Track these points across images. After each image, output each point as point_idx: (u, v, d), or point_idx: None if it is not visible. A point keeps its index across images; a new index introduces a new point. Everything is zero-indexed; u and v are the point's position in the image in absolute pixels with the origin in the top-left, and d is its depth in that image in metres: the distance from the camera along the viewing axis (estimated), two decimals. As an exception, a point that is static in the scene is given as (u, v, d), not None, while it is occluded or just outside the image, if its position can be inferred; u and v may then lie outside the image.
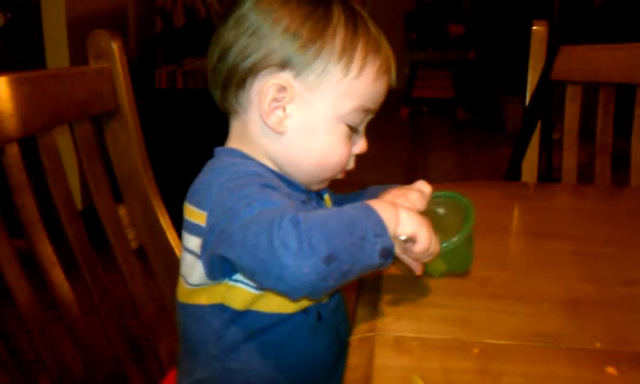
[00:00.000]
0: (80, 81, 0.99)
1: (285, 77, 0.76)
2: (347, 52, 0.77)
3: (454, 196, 0.88)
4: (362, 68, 0.77)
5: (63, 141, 0.97)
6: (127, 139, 1.05)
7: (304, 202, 0.81)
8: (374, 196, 0.87)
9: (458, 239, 0.81)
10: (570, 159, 1.45)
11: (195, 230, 0.75)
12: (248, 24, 0.76)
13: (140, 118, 1.07)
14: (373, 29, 0.80)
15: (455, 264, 0.85)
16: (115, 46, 1.01)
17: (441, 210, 0.88)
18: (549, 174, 2.66)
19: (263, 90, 0.77)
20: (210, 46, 0.81)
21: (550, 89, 1.46)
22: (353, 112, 0.79)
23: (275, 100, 0.77)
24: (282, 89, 0.76)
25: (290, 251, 0.62)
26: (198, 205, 0.74)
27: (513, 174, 1.50)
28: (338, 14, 0.77)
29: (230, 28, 0.78)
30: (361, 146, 0.83)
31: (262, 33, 0.76)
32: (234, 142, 0.82)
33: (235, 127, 0.82)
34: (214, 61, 0.80)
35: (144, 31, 3.45)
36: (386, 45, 0.81)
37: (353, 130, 0.81)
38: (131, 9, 3.38)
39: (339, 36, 0.76)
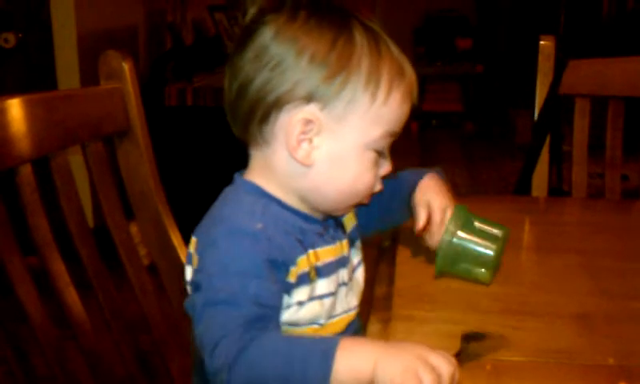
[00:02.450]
0: (92, 101, 1.00)
1: (311, 110, 0.73)
2: (373, 79, 0.74)
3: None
4: (388, 94, 0.75)
5: (75, 160, 0.98)
6: (138, 158, 1.06)
7: (320, 234, 0.79)
8: (409, 183, 0.88)
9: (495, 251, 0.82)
10: (579, 174, 1.45)
11: (189, 259, 0.76)
12: (270, 56, 0.73)
13: (150, 136, 1.08)
14: (395, 51, 0.78)
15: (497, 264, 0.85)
16: (126, 66, 1.02)
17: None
18: (559, 187, 2.65)
19: (290, 125, 0.74)
20: (226, 79, 0.78)
21: (559, 103, 1.46)
22: (381, 138, 0.76)
23: (302, 133, 0.74)
24: (309, 122, 0.74)
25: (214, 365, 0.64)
26: (194, 247, 0.75)
27: (523, 187, 1.50)
28: (360, 40, 0.74)
29: (250, 61, 0.74)
30: (386, 167, 0.81)
31: (286, 65, 0.73)
32: (255, 174, 0.79)
33: (257, 159, 0.79)
34: (233, 95, 0.77)
35: (154, 49, 3.48)
36: (408, 67, 0.79)
37: (379, 154, 0.78)
38: (141, 27, 3.41)
39: (364, 64, 0.74)
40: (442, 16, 5.48)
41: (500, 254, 0.85)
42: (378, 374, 0.61)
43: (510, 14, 5.36)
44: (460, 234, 0.84)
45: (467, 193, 3.86)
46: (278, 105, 0.74)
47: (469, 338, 0.73)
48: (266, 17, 0.75)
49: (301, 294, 0.74)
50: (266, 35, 0.74)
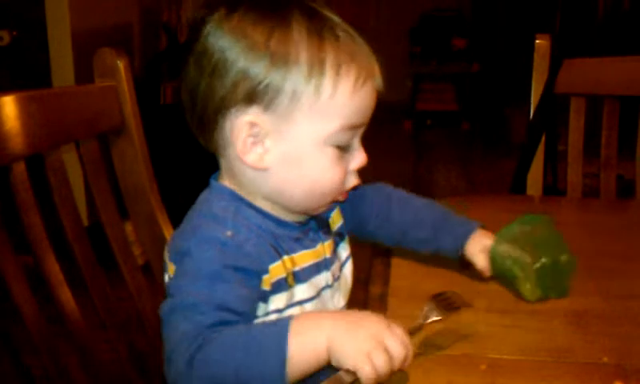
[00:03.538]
0: (86, 99, 0.99)
1: (254, 112, 0.70)
2: (315, 70, 0.69)
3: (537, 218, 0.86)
4: (335, 85, 0.70)
5: (69, 157, 0.98)
6: (133, 156, 1.06)
7: (297, 239, 0.77)
8: (457, 233, 0.86)
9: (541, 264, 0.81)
10: (574, 173, 1.45)
11: (165, 267, 0.76)
12: (208, 57, 0.70)
13: (145, 134, 1.07)
14: (343, 35, 0.71)
15: (551, 289, 0.83)
16: (121, 64, 1.02)
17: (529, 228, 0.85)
18: (554, 186, 2.65)
19: (234, 130, 0.71)
20: (181, 84, 0.75)
21: (554, 102, 1.46)
22: (336, 133, 0.72)
23: (251, 136, 0.71)
24: (253, 125, 0.71)
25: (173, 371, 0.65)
26: (168, 255, 0.75)
27: (518, 186, 1.50)
28: (298, 29, 0.69)
29: (193, 65, 0.72)
30: (358, 160, 0.76)
31: (223, 65, 0.69)
32: (225, 179, 0.78)
33: (223, 165, 0.78)
34: (187, 103, 0.75)
35: (149, 47, 3.48)
36: (361, 50, 0.73)
37: (343, 148, 0.74)
38: (136, 25, 3.40)
39: (304, 54, 0.69)
40: (437, 15, 5.49)
41: (548, 275, 0.82)
42: (332, 351, 0.61)
43: (506, 13, 5.37)
44: (509, 232, 0.83)
45: (463, 192, 3.87)
46: (221, 110, 0.71)
47: (437, 297, 0.75)
48: (207, 14, 0.72)
49: (278, 301, 0.73)
50: (204, 35, 0.71)
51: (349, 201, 0.89)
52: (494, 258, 0.82)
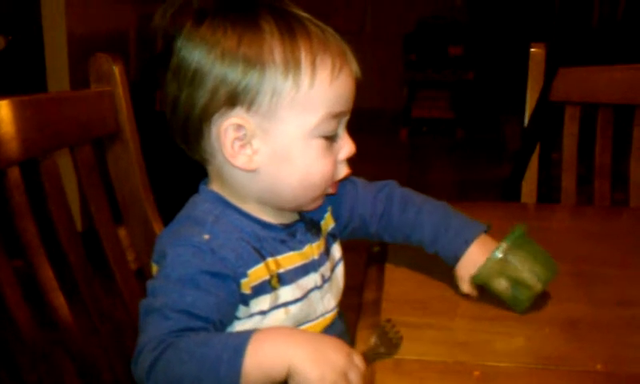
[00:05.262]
0: (81, 104, 0.99)
1: (237, 114, 0.72)
2: (291, 64, 0.71)
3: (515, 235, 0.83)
4: (312, 76, 0.72)
5: (64, 162, 0.98)
6: (128, 161, 1.06)
7: (282, 241, 0.78)
8: (455, 242, 0.85)
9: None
10: (568, 180, 1.46)
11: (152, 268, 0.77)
12: (185, 68, 0.72)
13: (140, 140, 1.07)
14: (313, 27, 0.73)
15: (527, 288, 0.81)
16: (116, 69, 1.02)
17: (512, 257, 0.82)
18: (548, 194, 2.66)
19: (220, 134, 0.72)
20: (163, 95, 0.77)
21: (549, 110, 1.46)
22: (321, 123, 0.73)
23: (238, 139, 0.72)
24: (239, 127, 0.72)
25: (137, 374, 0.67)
26: (153, 256, 0.76)
27: (512, 194, 1.50)
28: (269, 28, 0.71)
29: (171, 78, 0.74)
30: (347, 149, 0.78)
31: (201, 73, 0.71)
32: (214, 184, 0.79)
33: (211, 172, 0.79)
34: (168, 114, 0.76)
35: (145, 52, 3.47)
36: (333, 39, 0.74)
37: (330, 138, 0.75)
38: (132, 30, 3.40)
39: (277, 51, 0.70)
40: (433, 23, 5.50)
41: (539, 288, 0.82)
42: (294, 374, 0.62)
43: (502, 21, 5.38)
44: (513, 253, 0.81)
45: (457, 200, 3.87)
46: (205, 118, 0.73)
47: (382, 328, 0.74)
48: (176, 27, 0.73)
49: (262, 303, 0.74)
50: (177, 49, 0.73)
51: (347, 203, 0.89)
52: (489, 272, 0.82)
